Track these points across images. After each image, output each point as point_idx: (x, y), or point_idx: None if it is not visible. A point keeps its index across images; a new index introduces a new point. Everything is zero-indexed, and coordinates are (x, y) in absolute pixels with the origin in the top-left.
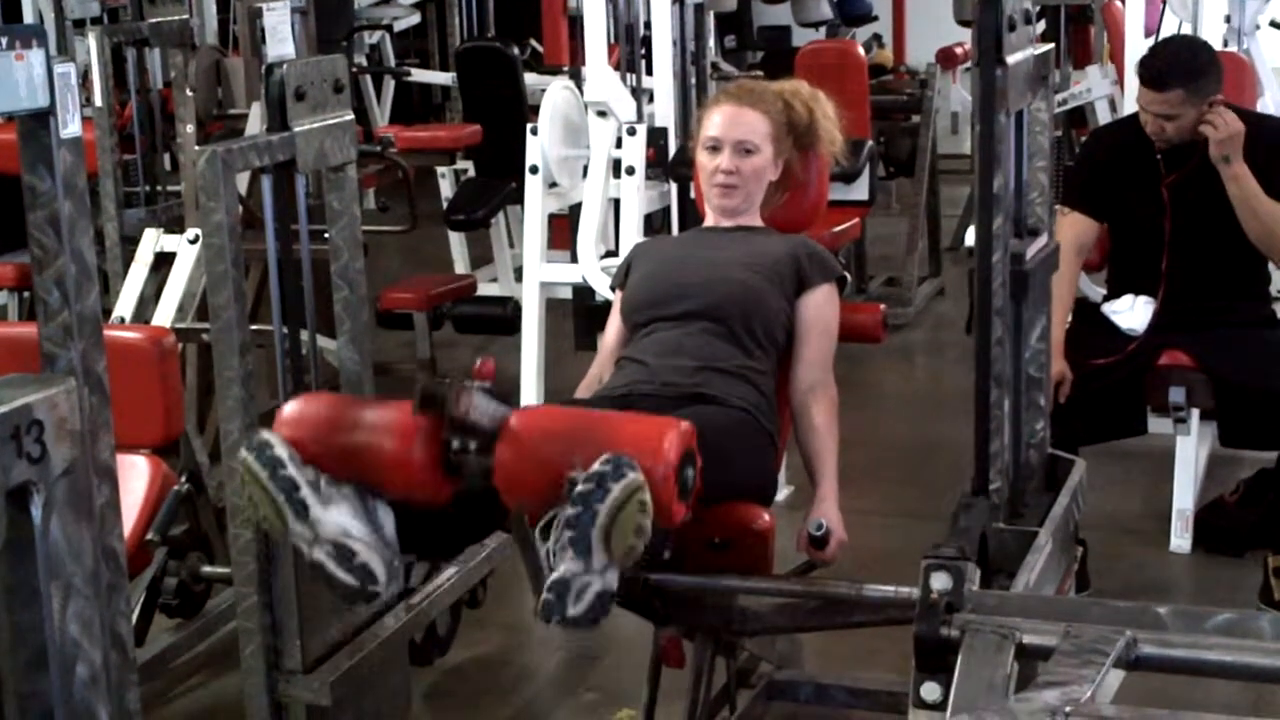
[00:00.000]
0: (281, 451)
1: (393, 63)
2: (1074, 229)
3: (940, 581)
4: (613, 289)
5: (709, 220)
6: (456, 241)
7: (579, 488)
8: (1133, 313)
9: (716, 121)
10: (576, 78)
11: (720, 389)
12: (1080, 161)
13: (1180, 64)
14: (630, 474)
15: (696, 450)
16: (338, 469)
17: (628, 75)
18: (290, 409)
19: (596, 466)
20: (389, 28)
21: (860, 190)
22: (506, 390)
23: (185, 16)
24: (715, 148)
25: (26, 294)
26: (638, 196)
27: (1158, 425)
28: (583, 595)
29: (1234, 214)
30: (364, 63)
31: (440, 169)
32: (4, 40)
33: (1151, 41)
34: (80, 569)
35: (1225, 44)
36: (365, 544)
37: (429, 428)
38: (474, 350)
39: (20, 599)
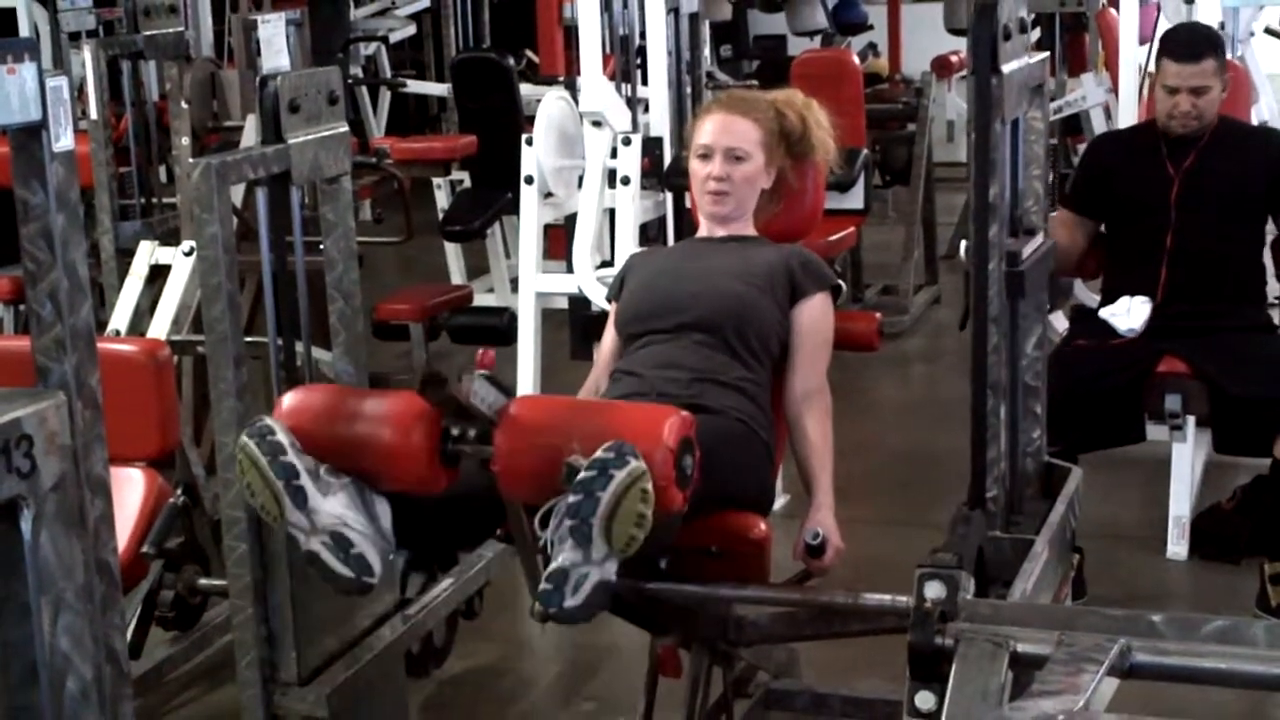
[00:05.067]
0: (283, 438)
1: (388, 74)
2: (1065, 226)
3: (934, 590)
4: (608, 300)
5: (702, 230)
6: (452, 252)
7: (581, 475)
8: (1129, 315)
9: (708, 129)
10: (572, 88)
11: (716, 400)
12: (1082, 166)
13: (1205, 35)
14: (633, 461)
15: (695, 440)
16: (336, 459)
17: (623, 85)
18: (290, 399)
19: (599, 453)
20: (384, 39)
21: (856, 199)
22: (507, 383)
23: (180, 29)
24: (706, 155)
25: (22, 307)
26: (633, 206)
27: (1155, 432)
28: (581, 586)
29: (1235, 219)
30: (359, 74)
31: (436, 180)
32: None
33: (1146, 48)
34: (71, 583)
35: None
36: (362, 534)
37: (428, 417)
38: (469, 361)
39: (10, 614)
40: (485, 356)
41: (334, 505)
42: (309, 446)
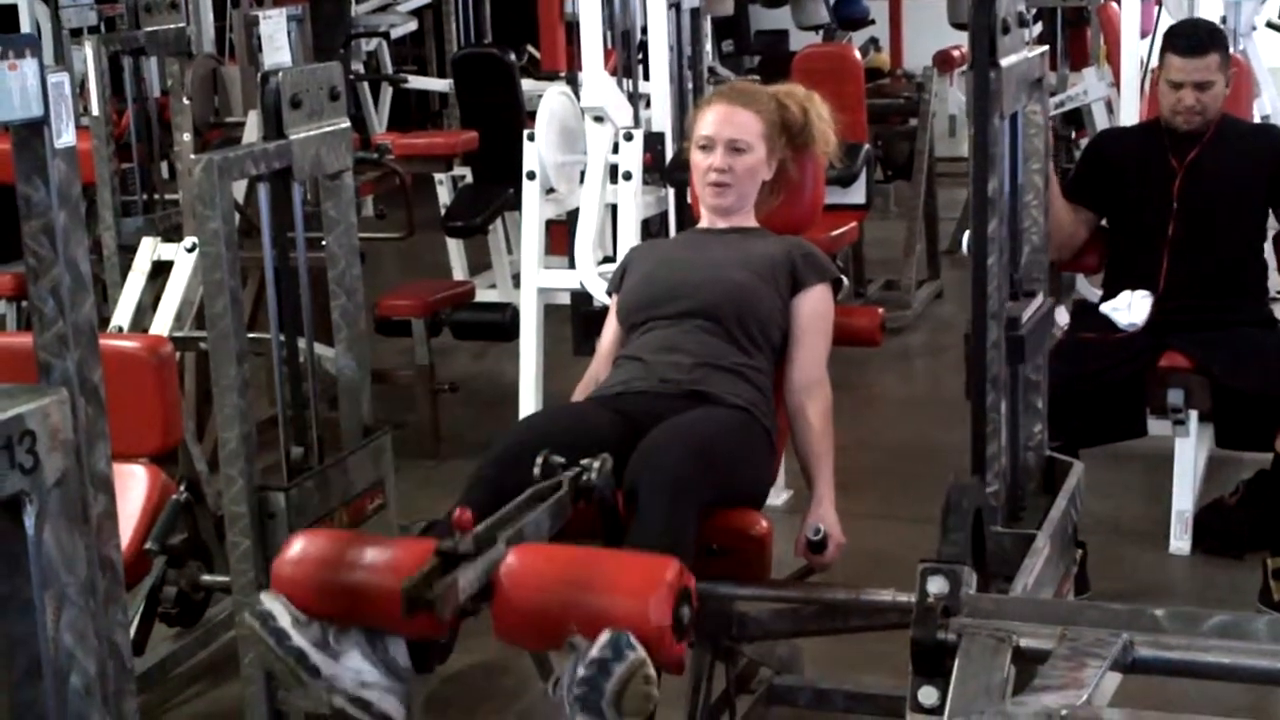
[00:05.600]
0: (284, 622)
1: (390, 70)
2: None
3: (937, 585)
4: (609, 293)
5: (703, 221)
6: (454, 248)
7: (581, 672)
8: (1130, 310)
9: (709, 120)
10: (573, 83)
11: (718, 386)
12: (1084, 159)
13: (1209, 30)
14: (631, 654)
15: (693, 586)
16: (339, 610)
17: (624, 80)
18: (290, 553)
19: (596, 651)
20: (386, 35)
21: (858, 194)
22: (486, 536)
23: (182, 25)
24: (708, 146)
25: (24, 303)
26: (635, 201)
27: (1157, 427)
28: None
29: (1236, 213)
30: (361, 70)
31: (438, 175)
32: None
33: (1147, 42)
34: (74, 579)
35: None
36: (381, 688)
37: (427, 566)
38: (472, 357)
39: (13, 609)
40: (462, 517)
41: (349, 664)
42: (310, 606)
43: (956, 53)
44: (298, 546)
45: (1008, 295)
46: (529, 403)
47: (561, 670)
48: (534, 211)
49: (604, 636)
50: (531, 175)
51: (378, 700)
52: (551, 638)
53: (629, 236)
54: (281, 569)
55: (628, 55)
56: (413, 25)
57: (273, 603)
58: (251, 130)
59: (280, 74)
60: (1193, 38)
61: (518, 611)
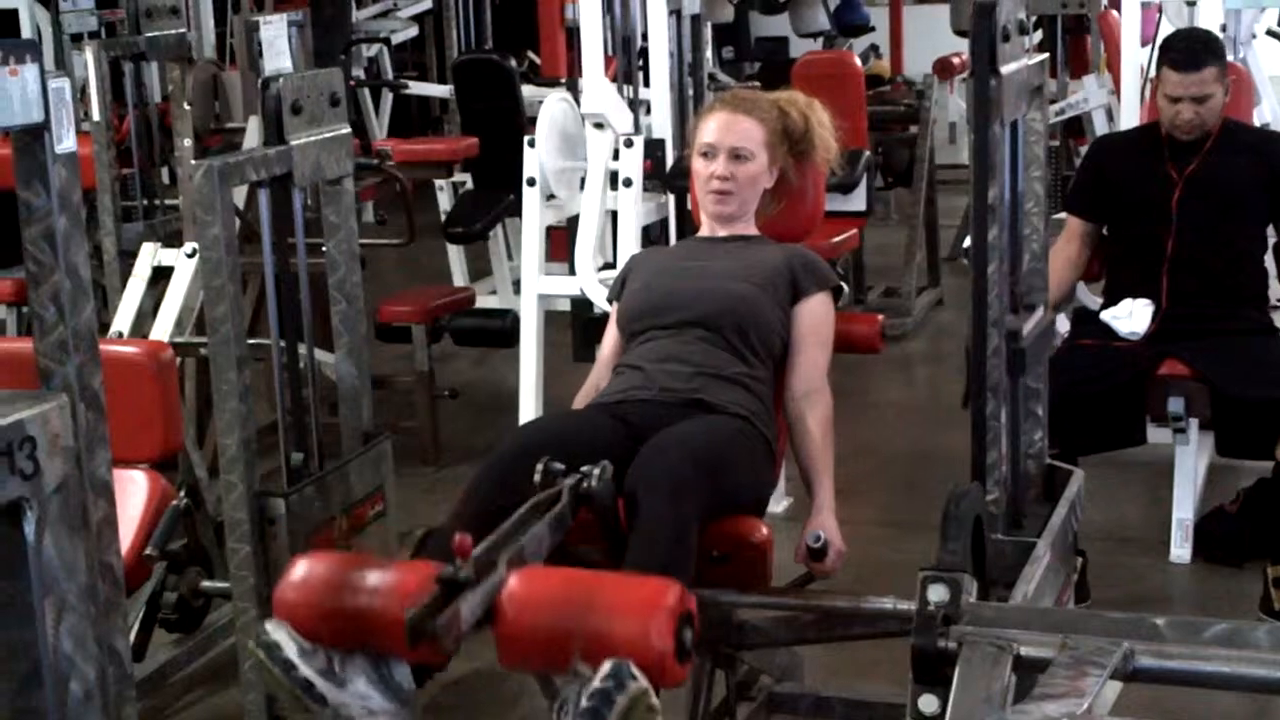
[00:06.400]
0: (290, 651)
1: (390, 75)
2: (1073, 237)
3: (937, 593)
4: (609, 300)
5: (704, 229)
6: (455, 254)
7: (585, 702)
8: (1131, 318)
9: (711, 128)
10: (574, 89)
11: (718, 395)
12: (1083, 168)
13: (1205, 42)
14: (633, 684)
15: (694, 608)
16: (342, 635)
17: (625, 87)
18: (292, 577)
19: (598, 681)
20: (386, 40)
21: (858, 201)
22: (487, 566)
23: (182, 30)
24: (709, 154)
25: (25, 309)
26: (635, 208)
27: (1157, 435)
28: None
29: (1236, 223)
30: (361, 76)
31: (438, 181)
32: None
33: (1148, 50)
34: (74, 585)
35: None
36: (387, 714)
37: (429, 596)
38: (472, 363)
39: (14, 615)
40: (462, 544)
41: (354, 690)
42: (313, 631)
43: (957, 60)
44: (300, 571)
45: (1008, 303)
46: (529, 409)
47: (564, 689)
48: (534, 218)
49: (606, 666)
50: (532, 181)
51: None
52: (554, 662)
53: (629, 243)
54: (284, 594)
55: (628, 61)
56: (413, 31)
57: (278, 632)
58: (252, 136)
59: (281, 80)
60: (1188, 51)
61: (520, 637)
